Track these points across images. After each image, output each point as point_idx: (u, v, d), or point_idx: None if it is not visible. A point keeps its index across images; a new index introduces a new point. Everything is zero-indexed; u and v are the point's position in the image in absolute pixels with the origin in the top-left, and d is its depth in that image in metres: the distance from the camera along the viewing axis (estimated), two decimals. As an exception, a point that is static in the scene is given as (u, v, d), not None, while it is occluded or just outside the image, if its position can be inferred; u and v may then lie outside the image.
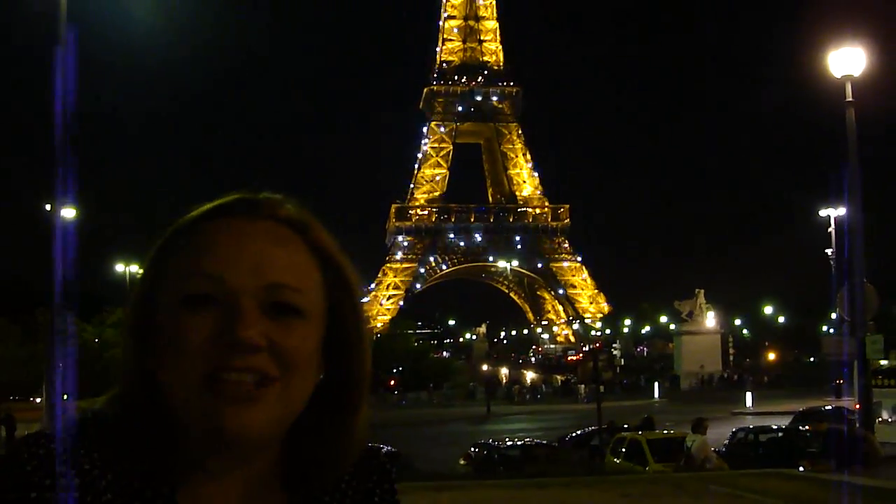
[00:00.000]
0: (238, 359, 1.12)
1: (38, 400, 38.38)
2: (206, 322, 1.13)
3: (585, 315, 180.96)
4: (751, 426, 29.19)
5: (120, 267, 53.52)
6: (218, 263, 1.15)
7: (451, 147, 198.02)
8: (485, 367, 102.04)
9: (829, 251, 47.86)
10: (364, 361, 1.27)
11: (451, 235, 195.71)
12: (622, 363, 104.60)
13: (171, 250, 1.20)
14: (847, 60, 20.75)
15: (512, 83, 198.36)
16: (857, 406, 23.53)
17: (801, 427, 27.06)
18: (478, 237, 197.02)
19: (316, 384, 1.22)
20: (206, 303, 1.14)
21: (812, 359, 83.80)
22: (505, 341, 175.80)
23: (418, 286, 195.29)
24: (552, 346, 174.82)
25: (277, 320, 1.15)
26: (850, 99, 20.63)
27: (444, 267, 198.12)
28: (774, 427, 28.36)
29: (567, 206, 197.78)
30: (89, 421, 1.19)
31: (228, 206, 1.21)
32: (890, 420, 28.58)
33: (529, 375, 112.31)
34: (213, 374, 1.12)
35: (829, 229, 46.83)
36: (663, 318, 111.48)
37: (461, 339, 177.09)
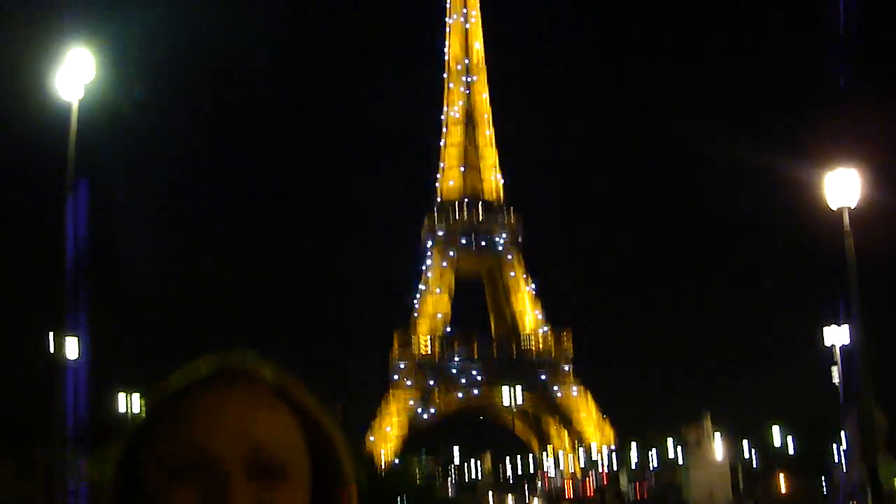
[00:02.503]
0: None
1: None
2: (192, 494, 1.14)
3: (591, 443, 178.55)
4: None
5: (122, 402, 53.19)
6: (203, 436, 1.17)
7: (453, 278, 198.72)
8: (491, 499, 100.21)
9: (835, 372, 47.67)
10: None
11: (454, 369, 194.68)
12: (630, 497, 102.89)
13: (154, 423, 1.23)
14: (843, 191, 21.09)
15: (512, 214, 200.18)
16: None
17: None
18: (481, 369, 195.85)
19: None
20: (193, 475, 1.15)
21: (824, 486, 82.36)
22: (510, 471, 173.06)
23: (422, 416, 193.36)
24: (558, 475, 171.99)
25: (265, 487, 1.17)
26: (848, 229, 20.89)
27: (447, 399, 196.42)
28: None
29: (569, 329, 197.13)
30: None
31: (207, 378, 1.29)
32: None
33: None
34: None
35: (835, 356, 46.71)
36: (670, 442, 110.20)
37: (466, 469, 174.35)
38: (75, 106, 18.24)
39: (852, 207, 20.70)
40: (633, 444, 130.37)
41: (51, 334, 20.80)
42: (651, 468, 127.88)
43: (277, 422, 1.20)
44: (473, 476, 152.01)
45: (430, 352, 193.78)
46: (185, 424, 1.18)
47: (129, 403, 53.10)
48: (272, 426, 1.21)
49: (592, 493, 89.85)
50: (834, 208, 20.83)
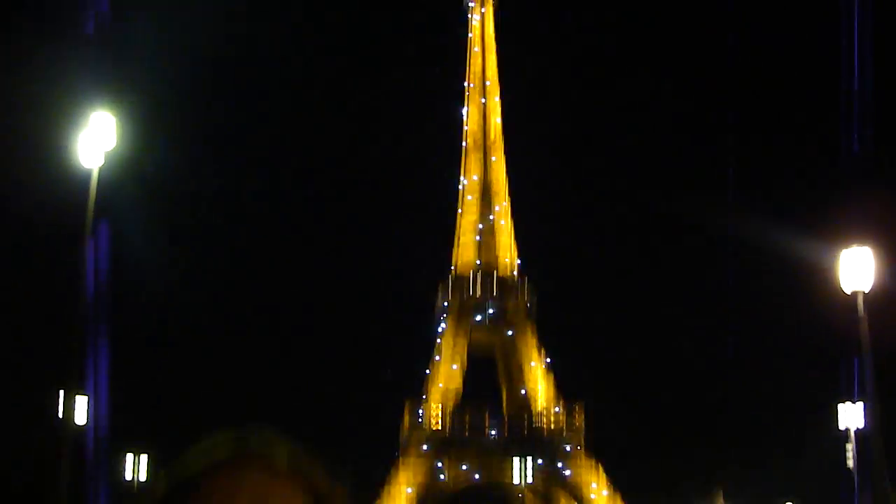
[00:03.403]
0: None
1: None
2: None
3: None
4: None
5: (129, 465, 52.83)
6: None
7: (466, 350, 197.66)
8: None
9: (849, 453, 47.09)
10: None
11: (465, 445, 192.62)
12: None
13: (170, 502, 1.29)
14: (857, 274, 21.01)
15: (527, 285, 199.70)
16: None
17: None
18: (492, 445, 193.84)
19: None
20: None
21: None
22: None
23: (433, 491, 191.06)
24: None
25: None
26: (862, 314, 20.79)
27: (458, 477, 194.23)
28: None
29: (582, 403, 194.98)
30: None
31: (221, 462, 1.31)
32: None
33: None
34: None
35: (849, 437, 46.20)
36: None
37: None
38: (95, 173, 18.33)
39: (866, 291, 20.65)
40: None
41: (60, 396, 20.75)
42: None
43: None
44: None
45: (441, 426, 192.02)
46: None
47: (137, 466, 52.72)
48: None
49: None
50: (848, 292, 20.78)
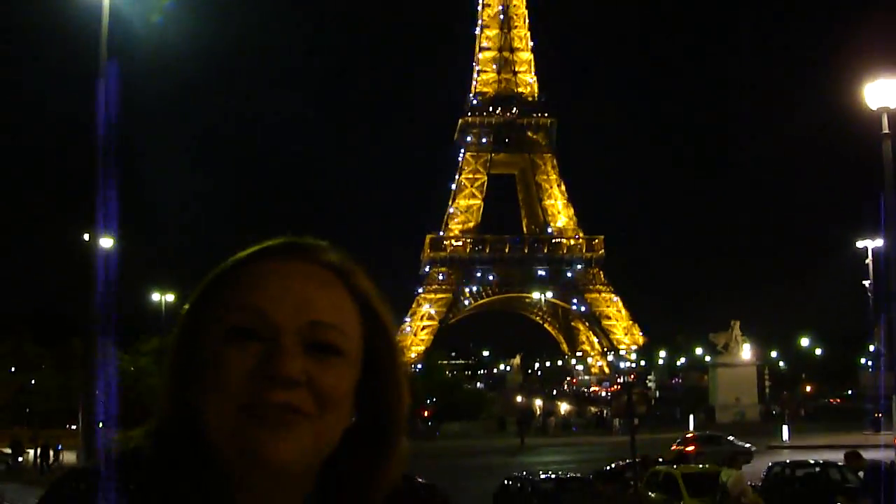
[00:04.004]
0: (276, 393, 1.17)
1: (74, 427, 38.70)
2: (248, 355, 1.18)
3: (620, 347, 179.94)
4: (787, 461, 28.77)
5: (156, 296, 53.93)
6: (263, 300, 1.21)
7: (486, 178, 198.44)
8: (518, 399, 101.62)
9: (866, 283, 47.39)
10: (400, 404, 1.33)
11: (486, 266, 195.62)
12: (657, 395, 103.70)
13: (218, 286, 1.27)
14: (884, 92, 20.64)
15: (546, 114, 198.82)
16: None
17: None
18: (512, 268, 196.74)
19: (348, 426, 1.27)
20: (250, 337, 1.19)
21: (850, 392, 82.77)
22: (539, 373, 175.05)
23: (452, 317, 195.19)
24: (586, 377, 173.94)
25: (317, 358, 1.20)
26: (887, 131, 20.52)
27: (478, 297, 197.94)
28: (811, 461, 27.96)
29: (601, 237, 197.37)
30: (127, 457, 1.23)
31: (276, 249, 1.30)
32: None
33: (563, 407, 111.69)
34: (250, 405, 1.16)
35: (867, 261, 46.38)
36: (698, 350, 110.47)
37: (495, 371, 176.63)
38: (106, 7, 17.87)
39: (893, 108, 20.31)
40: (662, 350, 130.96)
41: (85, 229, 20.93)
42: (679, 372, 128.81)
43: (338, 302, 1.25)
44: (503, 377, 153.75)
45: (461, 250, 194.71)
46: (249, 290, 1.22)
47: (163, 301, 53.86)
48: (332, 305, 1.24)
49: (617, 391, 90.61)
50: (874, 108, 20.44)
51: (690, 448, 38.96)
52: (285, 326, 1.19)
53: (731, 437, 41.25)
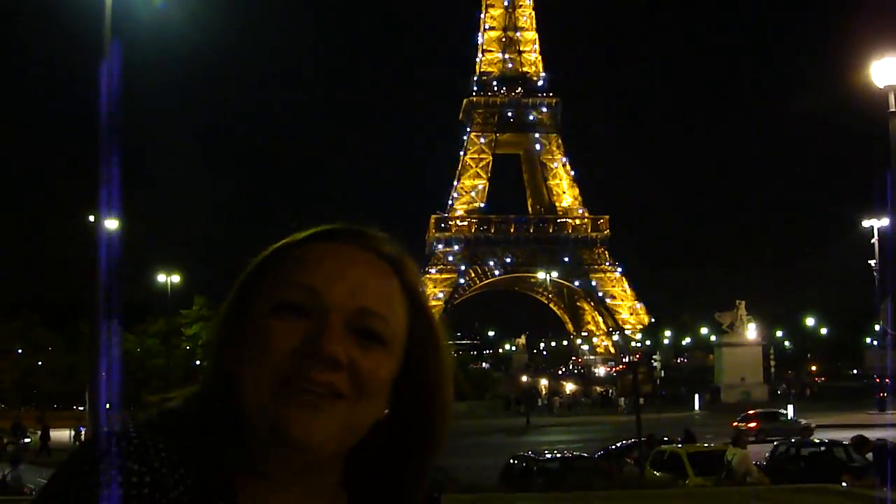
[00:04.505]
0: (318, 371, 1.17)
1: (82, 409, 38.87)
2: (294, 330, 1.19)
3: (625, 326, 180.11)
4: (792, 440, 28.85)
5: (162, 277, 53.93)
6: (317, 278, 1.22)
7: (491, 158, 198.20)
8: (524, 379, 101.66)
9: (872, 262, 47.27)
10: (443, 404, 1.32)
11: (491, 246, 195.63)
12: (662, 375, 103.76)
13: (269, 266, 1.27)
14: (891, 70, 20.53)
15: (552, 94, 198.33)
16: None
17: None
18: (517, 248, 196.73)
19: (380, 417, 1.27)
20: (298, 313, 1.20)
21: (855, 371, 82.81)
22: (544, 352, 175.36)
23: (457, 297, 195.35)
24: (592, 357, 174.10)
25: (361, 344, 1.21)
26: (894, 109, 20.42)
27: (483, 277, 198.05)
28: (817, 441, 28.02)
29: (607, 216, 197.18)
30: (164, 417, 1.23)
31: (333, 232, 1.30)
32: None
33: (569, 387, 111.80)
34: (289, 381, 1.17)
35: (873, 240, 46.21)
36: (704, 330, 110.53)
37: (501, 351, 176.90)
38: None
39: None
40: (668, 330, 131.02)
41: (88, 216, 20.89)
42: (684, 352, 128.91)
43: (389, 293, 1.25)
44: (508, 357, 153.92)
45: (466, 231, 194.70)
46: (303, 268, 1.22)
47: (169, 283, 53.85)
48: (384, 295, 1.24)
49: (622, 370, 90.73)
50: (881, 86, 20.35)
51: (752, 424, 40.81)
52: (336, 308, 1.20)
53: (789, 414, 42.67)
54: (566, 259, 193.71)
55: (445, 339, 1.34)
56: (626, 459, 26.63)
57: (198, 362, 61.39)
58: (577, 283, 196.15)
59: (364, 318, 1.21)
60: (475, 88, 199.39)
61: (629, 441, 29.82)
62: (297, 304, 1.20)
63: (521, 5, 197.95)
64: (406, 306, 1.28)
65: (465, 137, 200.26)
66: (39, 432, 42.56)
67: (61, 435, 42.80)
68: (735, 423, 40.76)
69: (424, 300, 1.32)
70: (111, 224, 20.48)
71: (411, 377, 1.28)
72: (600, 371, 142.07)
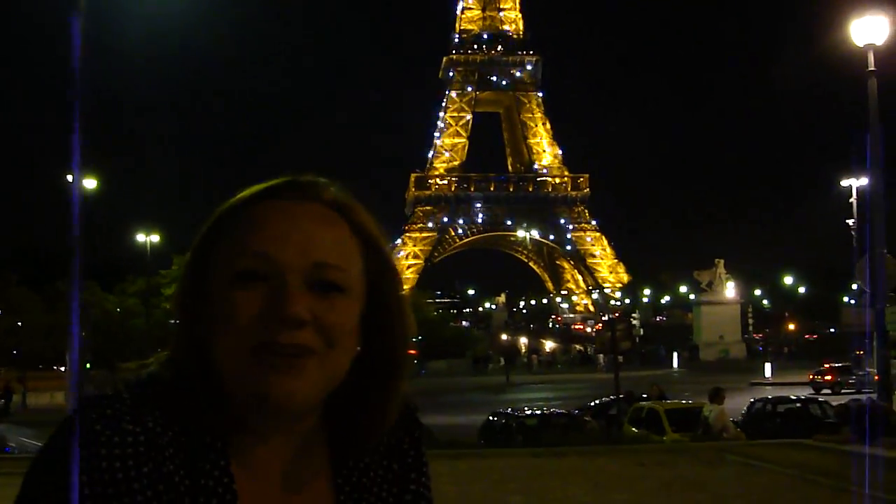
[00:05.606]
0: (285, 333, 1.19)
1: (63, 369, 38.80)
2: (255, 298, 1.20)
3: (605, 285, 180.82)
4: (769, 396, 29.17)
5: (141, 237, 53.58)
6: (267, 242, 1.22)
7: (471, 116, 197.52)
8: (504, 337, 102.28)
9: (850, 221, 47.43)
10: (405, 332, 1.35)
11: (471, 204, 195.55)
12: (641, 333, 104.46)
13: (221, 229, 1.28)
14: (869, 29, 20.50)
15: (532, 52, 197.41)
16: (877, 377, 23.46)
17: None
18: (497, 206, 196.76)
19: (355, 356, 1.29)
20: (256, 279, 1.21)
21: (832, 329, 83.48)
22: (524, 311, 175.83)
23: (437, 255, 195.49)
24: (571, 315, 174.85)
25: (322, 297, 1.22)
26: (873, 68, 20.41)
27: (463, 236, 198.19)
28: (793, 397, 28.33)
29: (587, 175, 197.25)
30: (148, 381, 1.25)
31: (276, 189, 1.30)
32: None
33: (548, 345, 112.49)
34: (261, 347, 1.19)
35: (851, 199, 46.34)
36: (683, 288, 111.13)
37: (481, 309, 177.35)
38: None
39: (878, 45, 20.18)
40: (647, 288, 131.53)
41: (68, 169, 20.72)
42: (663, 310, 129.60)
43: (340, 239, 1.26)
44: (488, 316, 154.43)
45: (446, 189, 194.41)
46: (252, 232, 1.23)
47: (148, 242, 53.47)
48: (335, 243, 1.25)
49: (601, 328, 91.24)
50: (860, 45, 20.31)
51: (829, 377, 46.03)
52: (290, 268, 1.21)
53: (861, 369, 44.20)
54: (546, 217, 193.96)
55: (398, 267, 1.37)
56: (584, 418, 26.93)
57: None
58: (556, 242, 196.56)
59: (320, 271, 1.22)
60: (455, 46, 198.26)
61: (608, 398, 30.10)
62: (254, 271, 1.21)
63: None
64: (359, 247, 1.29)
65: (444, 97, 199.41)
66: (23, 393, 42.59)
67: (40, 398, 42.80)
68: (811, 376, 45.77)
69: (375, 235, 1.33)
70: (89, 183, 20.38)
71: (374, 309, 1.30)
72: (580, 328, 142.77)
